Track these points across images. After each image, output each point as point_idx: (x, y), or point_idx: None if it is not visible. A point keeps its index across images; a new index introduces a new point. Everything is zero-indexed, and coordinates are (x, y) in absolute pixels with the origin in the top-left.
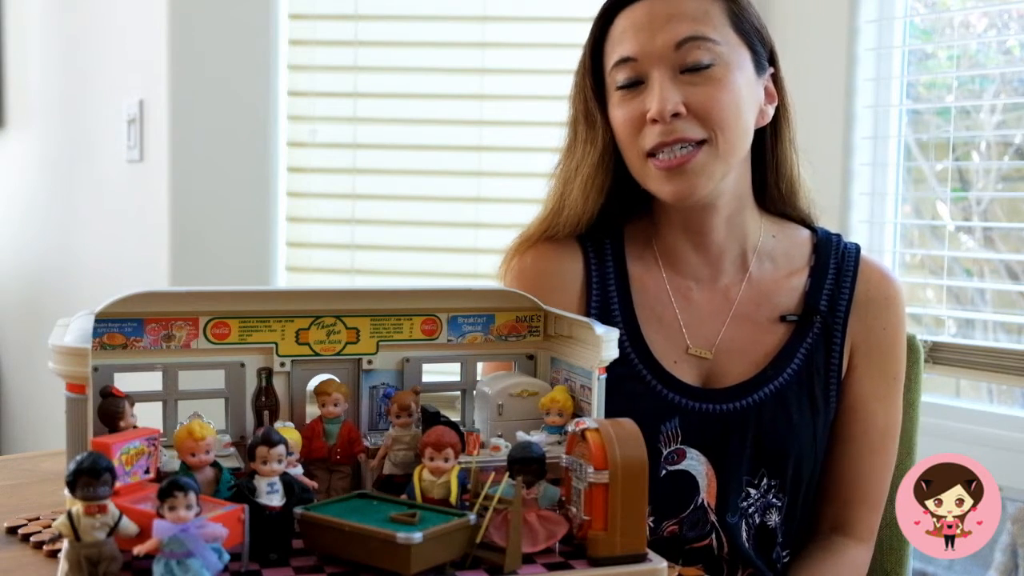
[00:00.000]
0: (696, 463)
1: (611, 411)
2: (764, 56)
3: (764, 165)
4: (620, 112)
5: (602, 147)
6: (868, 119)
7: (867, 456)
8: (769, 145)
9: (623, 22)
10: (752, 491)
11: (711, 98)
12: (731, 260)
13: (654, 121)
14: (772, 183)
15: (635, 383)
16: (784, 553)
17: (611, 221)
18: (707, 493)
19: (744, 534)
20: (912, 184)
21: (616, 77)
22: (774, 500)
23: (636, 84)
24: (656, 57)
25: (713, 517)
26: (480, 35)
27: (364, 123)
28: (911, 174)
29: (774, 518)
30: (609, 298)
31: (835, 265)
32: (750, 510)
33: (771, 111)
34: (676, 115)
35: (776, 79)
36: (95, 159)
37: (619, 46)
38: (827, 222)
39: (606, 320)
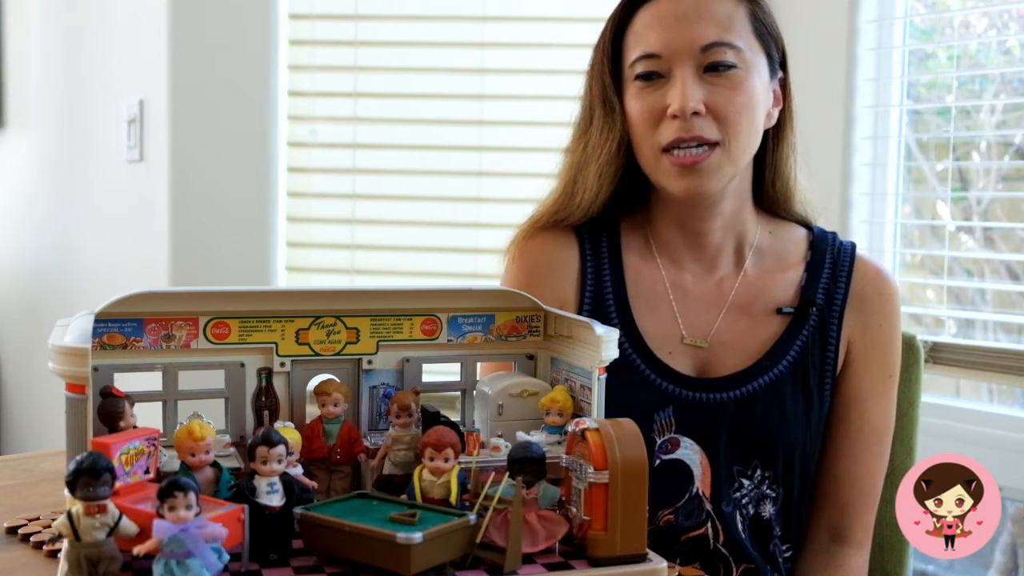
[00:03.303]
0: (690, 452)
1: (605, 401)
2: (777, 60)
3: (763, 166)
4: (638, 104)
5: (620, 135)
6: (868, 119)
7: (862, 454)
8: (770, 148)
9: (647, 15)
10: (745, 481)
11: (730, 101)
12: (727, 256)
13: (674, 116)
14: (769, 184)
15: (629, 372)
16: (785, 547)
17: (608, 213)
18: (701, 482)
19: (739, 524)
20: (912, 184)
21: (637, 69)
22: (768, 491)
23: (656, 78)
24: (681, 55)
25: (708, 506)
26: (480, 35)
27: (364, 123)
28: (911, 174)
29: (769, 509)
30: (603, 288)
31: (831, 261)
32: (743, 500)
33: (776, 115)
34: (696, 113)
35: (784, 84)
36: (95, 159)
37: (643, 40)
38: (827, 222)
39: (599, 310)
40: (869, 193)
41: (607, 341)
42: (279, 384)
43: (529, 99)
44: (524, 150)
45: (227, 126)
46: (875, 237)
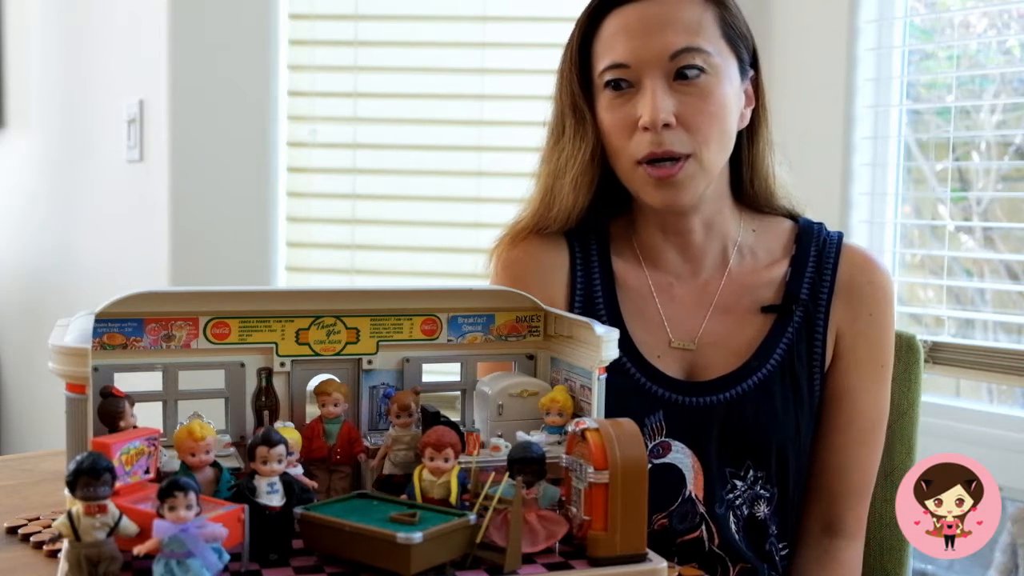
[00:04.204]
0: (682, 456)
1: None
2: (748, 61)
3: (740, 165)
4: (610, 116)
5: (593, 143)
6: (868, 119)
7: (854, 446)
8: (746, 147)
9: (614, 23)
10: (738, 483)
11: (700, 111)
12: (711, 257)
13: (645, 129)
14: (747, 183)
15: (620, 377)
16: (781, 545)
17: (596, 217)
18: (694, 485)
19: (733, 526)
20: (912, 184)
21: (606, 79)
22: (762, 491)
23: (626, 87)
24: (649, 64)
25: (702, 509)
26: (480, 35)
27: (364, 123)
28: (911, 174)
29: (763, 509)
30: (594, 293)
31: (815, 252)
32: (737, 501)
33: (749, 114)
34: (667, 125)
35: (756, 81)
36: (95, 159)
37: (611, 50)
38: (827, 222)
39: (589, 314)
40: (869, 193)
41: (607, 341)
42: (279, 384)
43: (529, 99)
44: (524, 150)
45: (227, 126)
46: (875, 237)
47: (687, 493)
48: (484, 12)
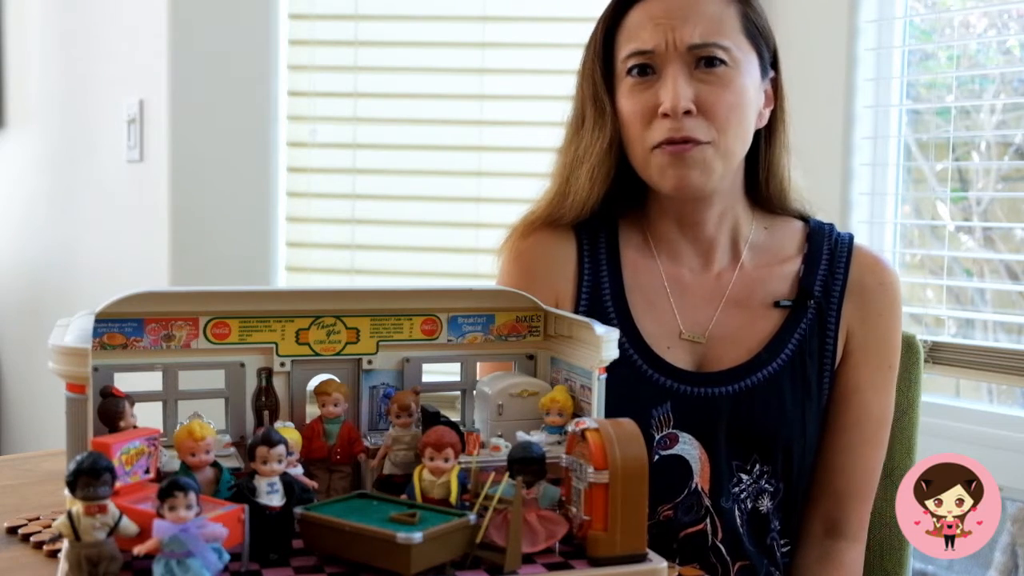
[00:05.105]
0: (689, 447)
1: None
2: (768, 60)
3: (756, 165)
4: (630, 103)
5: (611, 134)
6: (868, 119)
7: (860, 446)
8: (763, 147)
9: (639, 14)
10: (744, 476)
11: (720, 100)
12: (723, 250)
13: (665, 115)
14: (763, 183)
15: (625, 368)
16: (783, 542)
17: (607, 212)
18: (700, 477)
19: (738, 519)
20: (912, 184)
21: (628, 67)
22: (766, 486)
23: (649, 73)
24: (672, 53)
25: (707, 502)
26: (480, 35)
27: (364, 123)
28: (911, 174)
29: (766, 503)
30: (600, 284)
31: (828, 252)
32: (742, 495)
33: (767, 114)
34: (687, 112)
35: (776, 83)
36: (95, 159)
37: (634, 38)
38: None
39: (596, 306)
40: (869, 193)
41: (607, 341)
42: (279, 384)
43: (529, 99)
44: (524, 150)
45: (227, 126)
46: (875, 237)
47: (694, 485)
48: (484, 12)
